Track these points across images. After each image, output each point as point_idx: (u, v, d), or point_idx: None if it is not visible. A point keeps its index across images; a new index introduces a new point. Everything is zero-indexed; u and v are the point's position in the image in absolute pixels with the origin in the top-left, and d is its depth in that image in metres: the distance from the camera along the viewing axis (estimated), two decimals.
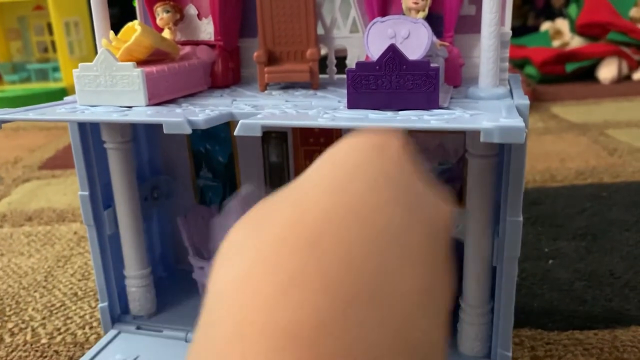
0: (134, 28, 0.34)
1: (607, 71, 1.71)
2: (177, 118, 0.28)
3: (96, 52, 0.37)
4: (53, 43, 1.83)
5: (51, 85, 1.78)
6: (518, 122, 0.24)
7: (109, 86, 0.33)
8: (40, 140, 1.31)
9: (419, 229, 0.21)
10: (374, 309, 0.18)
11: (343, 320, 0.17)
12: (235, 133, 0.26)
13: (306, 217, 0.19)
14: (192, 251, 0.46)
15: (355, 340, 0.17)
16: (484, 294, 0.38)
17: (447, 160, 0.42)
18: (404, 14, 0.36)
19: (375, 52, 0.31)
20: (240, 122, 0.26)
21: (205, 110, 0.31)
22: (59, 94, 1.67)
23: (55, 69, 1.81)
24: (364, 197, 0.20)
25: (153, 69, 0.33)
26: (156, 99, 0.34)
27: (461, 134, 0.40)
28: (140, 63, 0.33)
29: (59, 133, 1.36)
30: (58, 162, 1.11)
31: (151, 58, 0.35)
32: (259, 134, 0.26)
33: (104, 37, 0.37)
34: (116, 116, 0.30)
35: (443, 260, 0.23)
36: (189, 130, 0.27)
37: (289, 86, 0.41)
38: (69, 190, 0.93)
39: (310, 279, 0.17)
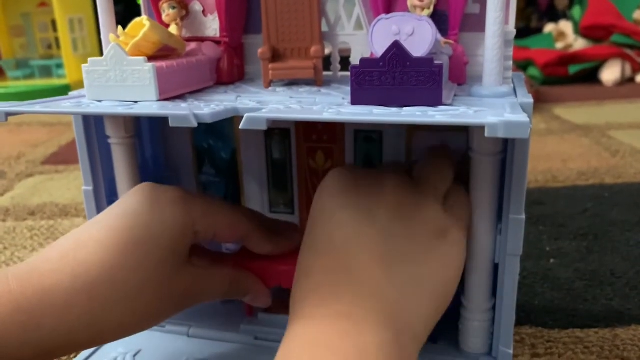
0: (142, 23, 0.34)
1: (610, 73, 1.71)
2: (183, 112, 0.28)
3: (100, 50, 0.37)
4: (57, 40, 1.84)
5: (55, 81, 1.78)
6: (523, 117, 0.25)
7: (119, 81, 0.33)
8: (43, 136, 1.31)
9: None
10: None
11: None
12: (241, 127, 0.26)
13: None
14: None
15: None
16: (485, 292, 0.38)
17: None
18: (409, 12, 0.36)
19: (379, 49, 0.31)
20: (245, 115, 0.26)
21: (210, 105, 0.31)
22: (63, 91, 1.68)
23: (59, 66, 1.82)
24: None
25: (163, 64, 0.33)
26: (166, 94, 0.34)
27: (463, 133, 0.40)
28: (148, 59, 0.33)
29: (62, 129, 1.37)
30: (61, 158, 1.11)
31: (158, 54, 0.35)
32: (264, 127, 0.26)
33: (111, 33, 0.37)
34: (122, 109, 0.31)
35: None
36: (194, 124, 0.27)
37: (293, 83, 0.41)
38: (72, 186, 0.93)
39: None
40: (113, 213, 0.35)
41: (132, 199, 0.36)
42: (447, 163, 0.38)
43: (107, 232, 0.33)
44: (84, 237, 0.34)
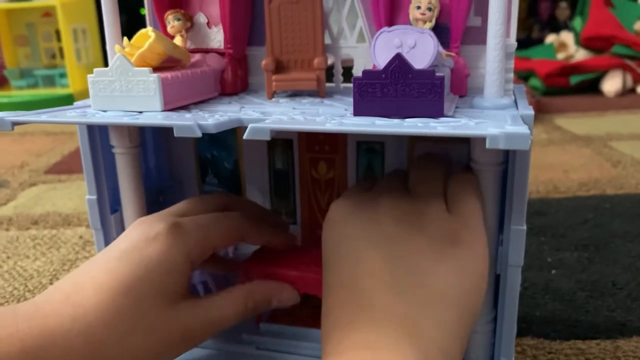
0: (147, 34, 0.34)
1: (611, 84, 1.72)
2: (188, 122, 0.28)
3: (103, 59, 0.38)
4: (61, 50, 1.85)
5: (58, 91, 1.79)
6: (523, 128, 0.25)
7: (124, 91, 0.33)
8: (46, 145, 1.32)
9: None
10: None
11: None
12: (245, 137, 0.26)
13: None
14: None
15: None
16: (487, 303, 0.38)
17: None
18: (411, 25, 0.37)
19: (382, 61, 0.32)
20: (249, 126, 0.26)
21: (214, 116, 0.32)
22: (66, 100, 1.69)
23: (63, 75, 1.83)
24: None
25: (168, 75, 0.34)
26: (171, 105, 0.34)
27: (464, 144, 0.40)
28: (153, 69, 0.33)
29: (65, 138, 1.37)
30: (64, 167, 1.11)
31: (163, 65, 0.36)
32: (267, 138, 0.26)
33: (116, 44, 0.38)
34: (127, 119, 0.31)
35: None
36: (199, 134, 0.28)
37: (296, 94, 0.41)
38: (74, 195, 0.93)
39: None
40: (109, 254, 0.36)
41: (127, 238, 0.36)
42: (435, 167, 0.38)
43: (102, 275, 0.34)
44: (82, 280, 0.34)
